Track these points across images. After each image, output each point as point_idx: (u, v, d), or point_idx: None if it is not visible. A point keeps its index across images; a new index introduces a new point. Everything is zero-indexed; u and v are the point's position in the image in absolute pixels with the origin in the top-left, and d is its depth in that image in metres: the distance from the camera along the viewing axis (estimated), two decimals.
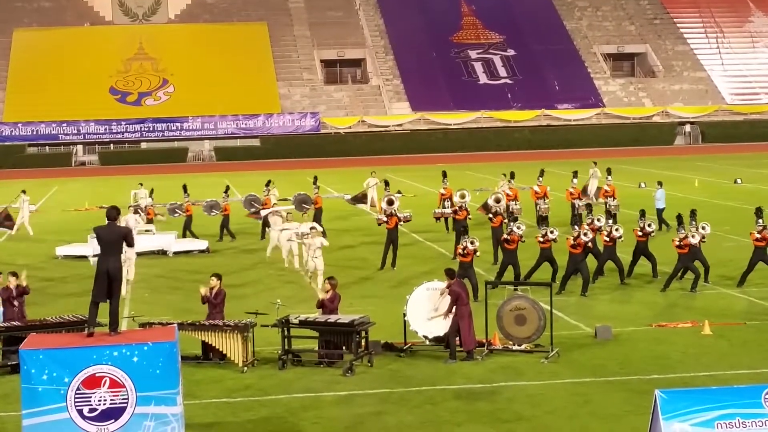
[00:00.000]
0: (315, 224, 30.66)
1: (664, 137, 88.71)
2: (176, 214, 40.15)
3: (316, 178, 42.08)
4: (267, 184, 40.06)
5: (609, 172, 40.81)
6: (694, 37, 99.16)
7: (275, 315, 21.46)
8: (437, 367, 20.58)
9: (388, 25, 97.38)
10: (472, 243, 26.31)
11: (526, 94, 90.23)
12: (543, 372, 20.06)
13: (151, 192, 42.32)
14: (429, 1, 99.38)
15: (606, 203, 37.87)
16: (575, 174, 40.20)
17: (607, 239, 28.42)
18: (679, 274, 27.97)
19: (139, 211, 37.29)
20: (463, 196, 36.11)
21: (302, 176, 60.05)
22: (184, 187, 40.93)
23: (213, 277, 22.25)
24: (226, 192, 40.55)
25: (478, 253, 26.74)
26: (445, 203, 37.62)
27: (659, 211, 38.10)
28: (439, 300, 21.66)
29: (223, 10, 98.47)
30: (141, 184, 44.55)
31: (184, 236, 38.18)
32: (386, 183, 38.44)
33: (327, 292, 21.90)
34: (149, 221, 38.28)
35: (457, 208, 35.00)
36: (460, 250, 26.54)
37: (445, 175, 39.47)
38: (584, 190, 41.06)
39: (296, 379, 20.02)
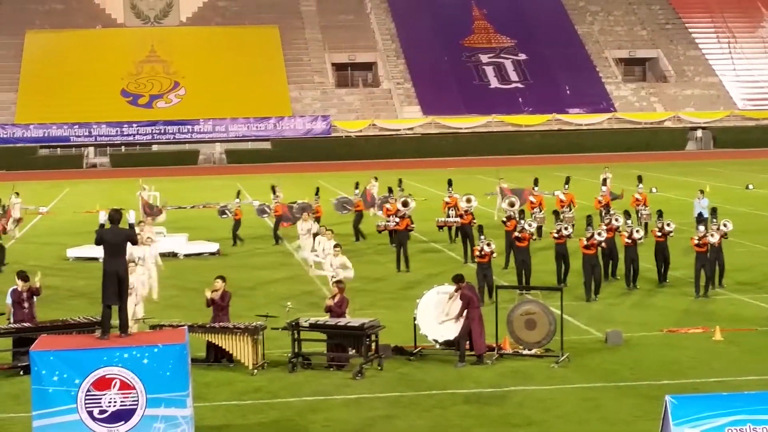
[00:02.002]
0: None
1: (675, 142, 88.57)
2: (265, 215, 40.06)
3: (357, 184, 41.84)
4: (273, 191, 39.97)
5: (640, 179, 40.24)
6: (706, 42, 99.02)
7: (285, 318, 21.46)
8: (447, 371, 20.55)
9: (399, 29, 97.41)
10: (488, 245, 26.54)
11: (537, 98, 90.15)
12: (553, 377, 20.01)
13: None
14: (440, 5, 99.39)
15: (638, 212, 37.38)
16: (604, 182, 39.55)
17: (629, 240, 28.42)
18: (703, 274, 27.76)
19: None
20: (469, 201, 36.11)
21: (313, 180, 60.03)
22: (273, 188, 40.42)
23: (218, 280, 22.24)
24: (237, 196, 40.54)
25: (495, 255, 26.98)
26: (450, 211, 37.44)
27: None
28: (449, 304, 21.62)
29: (234, 13, 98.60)
30: (145, 187, 44.63)
31: (235, 236, 38.30)
32: (399, 182, 38.57)
33: (335, 296, 21.90)
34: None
35: (462, 212, 34.92)
36: (477, 252, 26.79)
37: (450, 183, 39.38)
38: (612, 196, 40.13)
39: (306, 382, 20.01)
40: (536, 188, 38.95)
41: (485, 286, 26.45)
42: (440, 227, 37.49)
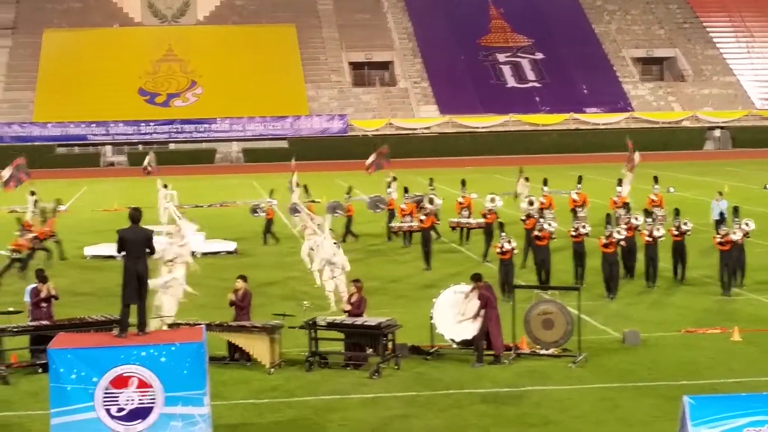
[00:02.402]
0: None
1: (693, 142, 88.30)
2: (337, 214, 39.98)
3: (392, 180, 41.82)
4: (306, 190, 39.91)
5: (656, 180, 40.07)
6: (724, 41, 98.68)
7: (302, 317, 21.47)
8: (464, 371, 20.52)
9: (416, 28, 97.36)
10: (509, 242, 26.85)
11: (554, 97, 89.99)
12: (570, 376, 19.97)
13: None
14: (457, 4, 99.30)
15: (653, 213, 37.18)
16: (620, 182, 39.29)
17: (649, 238, 28.41)
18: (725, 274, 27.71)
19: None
20: (493, 200, 36.06)
21: (330, 179, 60.07)
22: (305, 188, 40.46)
23: (239, 279, 22.30)
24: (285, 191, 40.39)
25: (516, 251, 27.30)
26: (463, 212, 37.36)
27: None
28: (465, 303, 21.59)
29: (251, 11, 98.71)
30: (165, 185, 44.67)
31: (345, 238, 38.03)
32: (431, 181, 38.68)
33: (352, 295, 21.90)
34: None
35: (486, 212, 34.86)
36: (498, 249, 27.04)
37: (464, 183, 39.31)
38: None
39: (323, 381, 20.01)
40: (545, 188, 38.83)
41: (506, 284, 26.56)
42: (453, 228, 37.38)
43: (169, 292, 23.37)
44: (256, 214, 40.77)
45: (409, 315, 23.95)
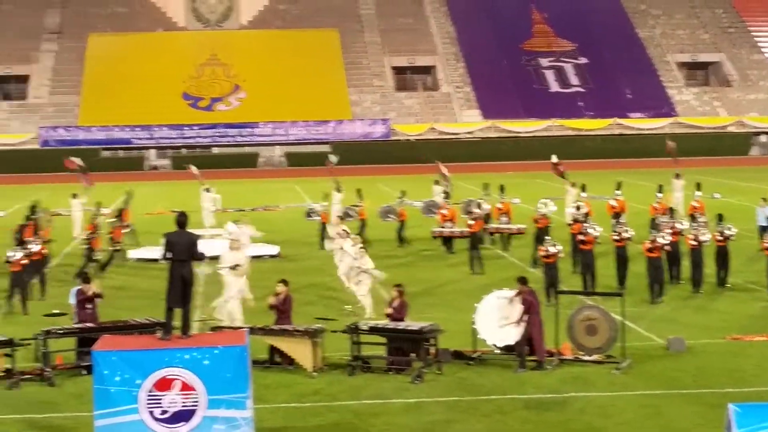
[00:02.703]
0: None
1: (739, 147, 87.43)
2: (390, 218, 40.00)
3: (505, 181, 41.80)
4: (359, 194, 39.83)
5: (698, 187, 39.76)
6: None
7: (345, 321, 21.47)
8: (507, 376, 20.44)
9: (459, 33, 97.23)
10: (554, 246, 27.09)
11: (597, 102, 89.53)
12: (614, 383, 19.83)
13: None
14: (500, 9, 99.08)
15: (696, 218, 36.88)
16: (660, 188, 38.99)
17: (694, 243, 28.24)
18: None
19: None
20: (545, 205, 35.99)
21: (372, 183, 60.09)
22: (359, 192, 40.44)
23: (280, 284, 22.39)
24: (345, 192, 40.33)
25: (561, 255, 27.41)
26: (502, 218, 37.18)
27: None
28: (509, 308, 21.50)
29: (294, 16, 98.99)
30: (208, 189, 44.84)
31: (402, 242, 37.87)
32: (485, 186, 38.59)
33: (394, 299, 21.89)
34: None
35: (539, 216, 34.79)
36: (543, 253, 27.25)
37: (502, 189, 39.11)
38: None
39: (365, 385, 20.00)
40: (583, 194, 38.56)
41: (551, 288, 26.58)
42: (492, 233, 37.16)
43: (238, 298, 23.61)
44: (311, 218, 40.61)
45: (452, 320, 23.88)
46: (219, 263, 24.66)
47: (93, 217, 35.56)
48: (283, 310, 21.91)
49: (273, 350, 21.36)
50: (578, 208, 35.19)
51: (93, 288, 22.59)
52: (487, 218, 37.37)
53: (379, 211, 41.18)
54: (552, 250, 27.04)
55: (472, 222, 33.63)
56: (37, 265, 29.54)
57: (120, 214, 37.15)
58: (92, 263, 32.88)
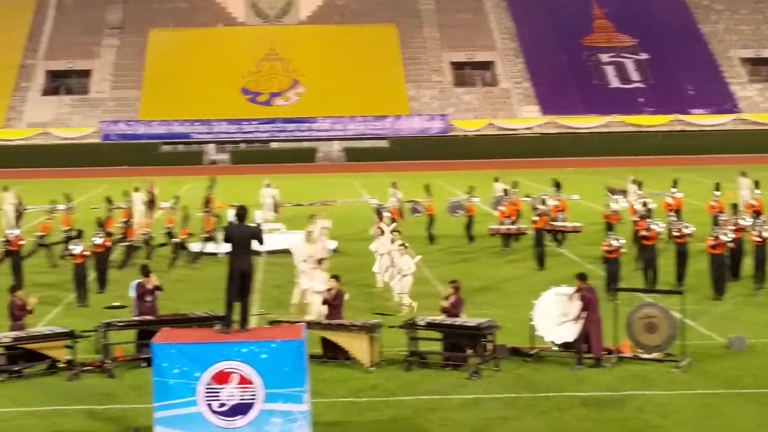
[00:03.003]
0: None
1: None
2: (458, 214, 39.88)
3: (563, 178, 41.63)
4: (427, 190, 39.70)
5: (757, 185, 39.25)
6: None
7: (402, 316, 21.46)
8: (565, 374, 20.33)
9: (518, 28, 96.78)
10: (617, 240, 27.05)
11: (658, 98, 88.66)
12: (674, 381, 19.64)
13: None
14: (560, 4, 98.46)
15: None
16: (717, 186, 38.49)
17: (758, 239, 27.97)
18: None
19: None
20: (617, 201, 35.77)
21: (429, 179, 60.00)
22: (427, 187, 40.49)
23: (331, 279, 22.47)
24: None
25: (623, 250, 27.39)
26: (559, 215, 36.86)
27: None
28: (567, 305, 21.37)
29: (353, 11, 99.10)
30: (269, 184, 45.01)
31: (471, 238, 37.70)
32: (558, 185, 38.40)
33: (449, 296, 21.84)
34: None
35: (610, 212, 34.55)
36: (605, 248, 27.16)
37: (558, 186, 38.76)
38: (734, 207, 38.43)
39: (422, 380, 19.98)
40: (639, 191, 38.18)
41: (612, 282, 26.50)
42: (548, 231, 36.90)
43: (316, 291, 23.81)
44: (456, 214, 40.32)
45: (510, 316, 23.79)
46: (297, 256, 25.03)
47: (172, 209, 36.81)
48: (334, 305, 21.95)
49: (326, 344, 21.39)
50: (645, 204, 35.01)
51: (153, 281, 22.78)
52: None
53: (447, 206, 41.07)
54: (615, 244, 27.04)
55: (536, 218, 33.52)
56: (100, 257, 29.84)
57: (207, 202, 38.21)
58: (183, 251, 34.20)
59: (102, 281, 29.85)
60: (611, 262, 27.12)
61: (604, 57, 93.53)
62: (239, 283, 15.67)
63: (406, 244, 27.59)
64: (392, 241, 28.29)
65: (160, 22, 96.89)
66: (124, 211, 36.64)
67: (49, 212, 37.00)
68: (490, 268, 33.10)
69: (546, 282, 28.15)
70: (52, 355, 20.80)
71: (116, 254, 33.73)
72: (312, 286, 23.77)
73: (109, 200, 37.29)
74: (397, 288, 26.37)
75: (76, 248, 28.17)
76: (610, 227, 32.61)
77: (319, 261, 24.92)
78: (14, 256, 30.07)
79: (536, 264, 32.62)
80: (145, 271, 23.07)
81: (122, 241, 34.04)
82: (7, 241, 30.37)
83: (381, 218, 34.06)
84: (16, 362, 20.67)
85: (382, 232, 29.66)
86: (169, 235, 35.10)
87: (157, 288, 22.82)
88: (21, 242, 30.25)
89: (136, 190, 43.18)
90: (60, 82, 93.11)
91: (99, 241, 29.68)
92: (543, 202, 35.93)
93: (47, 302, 27.58)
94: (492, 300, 27.52)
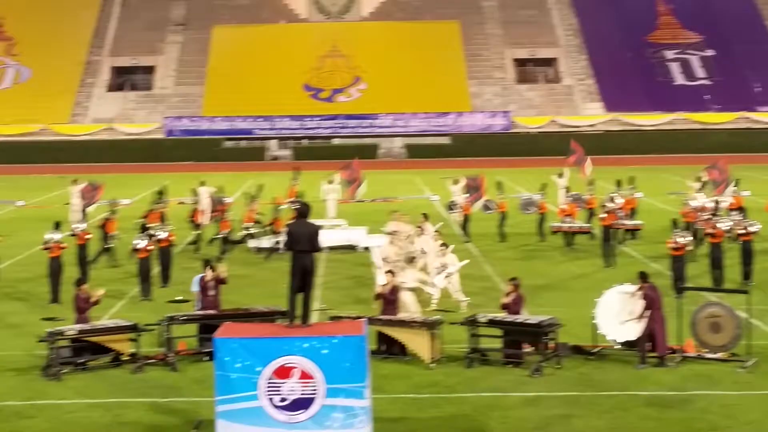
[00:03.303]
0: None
1: None
2: (530, 211, 39.65)
3: (626, 176, 41.31)
4: (499, 187, 39.55)
5: None
6: None
7: (463, 313, 21.38)
8: (627, 372, 20.14)
9: (582, 24, 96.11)
10: (683, 237, 27.05)
11: (724, 95, 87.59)
12: (739, 382, 19.37)
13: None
14: (625, 0, 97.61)
15: None
16: None
17: None
18: None
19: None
20: (696, 199, 35.44)
21: (491, 176, 59.70)
22: (499, 184, 40.31)
23: (387, 274, 22.46)
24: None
25: (690, 248, 27.42)
26: (620, 213, 36.36)
27: None
28: (630, 303, 21.18)
29: (415, 8, 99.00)
30: (331, 182, 45.11)
31: (544, 236, 37.41)
32: (620, 182, 38.10)
33: (509, 293, 21.73)
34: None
35: (689, 210, 34.24)
36: (671, 245, 27.09)
37: (619, 184, 38.20)
38: None
39: (483, 377, 19.90)
40: (735, 189, 37.69)
41: (678, 280, 26.51)
42: (617, 229, 36.45)
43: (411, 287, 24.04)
44: (528, 211, 40.10)
45: (572, 314, 23.62)
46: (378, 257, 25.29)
47: (250, 201, 37.64)
48: (390, 299, 21.94)
49: (381, 339, 21.36)
50: (717, 202, 34.67)
51: (216, 274, 22.90)
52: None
53: (520, 203, 40.83)
54: (681, 241, 26.99)
55: (604, 215, 33.30)
56: (164, 251, 30.10)
57: (291, 195, 39.33)
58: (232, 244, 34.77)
59: (165, 275, 30.09)
60: (677, 260, 27.04)
61: (669, 54, 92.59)
62: (301, 279, 15.71)
63: (447, 244, 27.46)
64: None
65: (223, 19, 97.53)
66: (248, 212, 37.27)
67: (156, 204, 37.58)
68: (553, 266, 32.89)
69: (608, 280, 27.94)
70: (117, 348, 21.01)
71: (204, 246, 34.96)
72: (402, 283, 23.73)
73: (161, 194, 37.60)
74: (449, 287, 26.14)
75: (141, 242, 28.41)
76: (687, 225, 32.35)
77: (411, 259, 25.11)
78: (80, 249, 30.37)
79: (603, 261, 32.37)
80: (209, 265, 23.21)
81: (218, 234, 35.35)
82: (74, 235, 30.68)
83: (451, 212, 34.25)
84: (81, 354, 20.91)
85: (423, 232, 29.51)
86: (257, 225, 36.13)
87: (220, 281, 22.94)
88: (87, 236, 30.53)
89: (202, 184, 43.54)
90: (125, 78, 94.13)
91: (163, 235, 29.93)
92: (612, 200, 35.57)
93: (113, 295, 27.87)
94: (555, 298, 27.34)
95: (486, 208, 39.94)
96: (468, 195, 39.54)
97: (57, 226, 29.32)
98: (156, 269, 29.73)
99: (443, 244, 27.13)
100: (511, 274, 25.38)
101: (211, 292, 22.72)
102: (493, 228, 38.15)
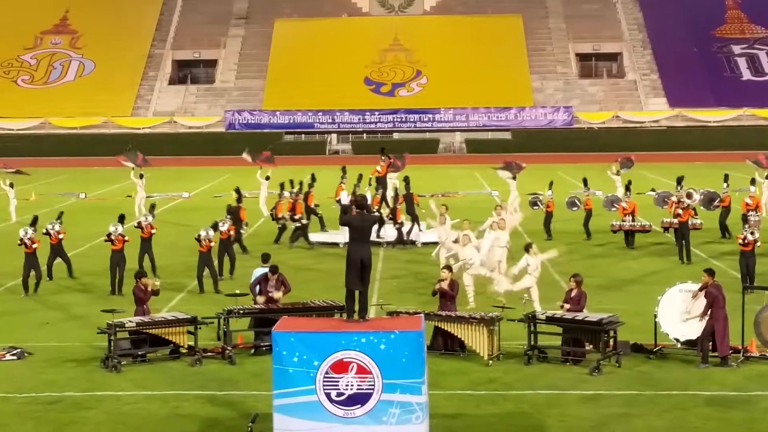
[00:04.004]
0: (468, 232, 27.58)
1: None
2: (536, 207, 39.18)
3: (691, 172, 40.57)
4: (585, 183, 39.12)
5: None
6: None
7: (522, 310, 21.23)
8: (689, 372, 19.87)
9: (647, 19, 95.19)
10: (752, 233, 26.98)
11: None
12: None
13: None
14: None
15: None
16: None
17: None
18: None
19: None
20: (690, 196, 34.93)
21: (552, 171, 59.41)
22: (585, 181, 39.92)
23: (444, 269, 22.43)
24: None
25: (758, 243, 27.27)
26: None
27: None
28: (693, 302, 20.89)
29: (477, 2, 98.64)
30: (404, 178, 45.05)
31: (589, 235, 37.00)
32: (679, 181, 37.46)
33: (572, 290, 21.53)
34: None
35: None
36: (740, 240, 27.17)
37: (679, 181, 37.69)
38: None
39: (541, 375, 19.75)
40: (753, 189, 37.09)
41: (747, 276, 26.53)
42: (665, 229, 35.97)
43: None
44: (575, 208, 39.60)
45: (633, 312, 23.36)
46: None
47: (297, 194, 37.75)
48: (450, 295, 21.83)
49: (436, 335, 21.25)
50: None
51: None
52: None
53: (567, 201, 40.45)
54: (750, 237, 26.88)
55: (680, 212, 32.91)
56: (225, 244, 30.15)
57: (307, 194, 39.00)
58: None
59: (230, 268, 30.18)
60: (745, 255, 27.03)
61: (737, 48, 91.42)
62: (359, 272, 15.64)
63: (470, 234, 27.13)
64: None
65: (285, 13, 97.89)
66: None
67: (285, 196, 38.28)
68: (611, 264, 32.55)
69: (670, 278, 27.61)
70: (175, 340, 21.10)
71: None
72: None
73: (238, 191, 37.69)
74: (466, 280, 25.97)
75: (209, 234, 28.40)
76: (745, 219, 31.96)
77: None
78: (144, 242, 30.47)
79: (678, 258, 32.10)
80: (265, 259, 23.24)
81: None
82: (140, 227, 30.80)
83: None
84: (139, 347, 21.05)
85: (445, 221, 29.66)
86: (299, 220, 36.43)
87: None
88: (153, 230, 30.66)
89: (267, 178, 43.87)
90: (186, 72, 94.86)
91: (224, 228, 29.96)
92: (689, 196, 34.96)
93: (172, 288, 28.05)
94: (614, 295, 27.07)
95: (533, 204, 39.51)
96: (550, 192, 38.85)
97: (121, 219, 29.53)
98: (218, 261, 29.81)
99: (465, 235, 26.68)
100: (567, 272, 25.16)
101: (269, 289, 22.62)
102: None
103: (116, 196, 53.94)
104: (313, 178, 41.56)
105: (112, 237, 28.69)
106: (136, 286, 22.03)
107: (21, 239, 28.79)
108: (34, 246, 28.68)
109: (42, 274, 29.02)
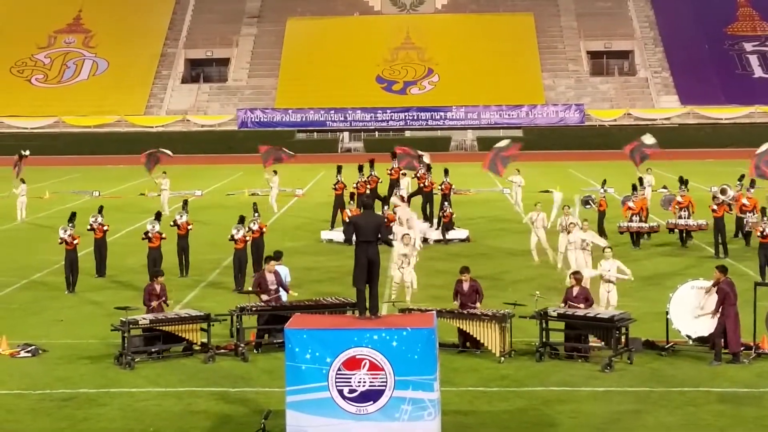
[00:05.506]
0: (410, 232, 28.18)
1: None
2: (588, 207, 38.83)
3: (703, 170, 40.45)
4: (603, 184, 39.01)
5: None
6: None
7: (534, 307, 21.27)
8: (700, 369, 19.88)
9: (658, 16, 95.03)
10: None
11: None
12: None
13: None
14: None
15: None
16: None
17: None
18: None
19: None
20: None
21: (563, 169, 59.47)
22: (604, 181, 39.58)
23: (464, 272, 22.43)
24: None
25: None
26: (682, 212, 35.67)
27: None
28: (705, 298, 20.90)
29: (489, 0, 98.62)
30: (404, 174, 45.15)
31: (601, 232, 35.55)
32: (681, 180, 37.34)
33: (572, 287, 21.57)
34: None
35: None
36: (758, 233, 27.81)
37: (684, 182, 37.57)
38: None
39: (553, 371, 19.78)
40: (751, 190, 36.97)
41: (765, 267, 27.29)
42: (671, 230, 35.82)
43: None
44: (589, 206, 39.33)
45: (645, 309, 23.38)
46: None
47: None
48: (468, 294, 21.88)
49: (461, 335, 21.35)
50: None
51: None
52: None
53: (579, 199, 40.31)
54: None
55: (715, 207, 33.00)
56: (256, 242, 29.92)
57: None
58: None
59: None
60: (764, 247, 27.77)
61: (748, 46, 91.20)
62: (365, 272, 15.72)
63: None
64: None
65: (297, 11, 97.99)
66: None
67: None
68: (623, 261, 32.43)
69: (681, 275, 27.65)
70: (188, 337, 21.20)
71: None
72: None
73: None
74: (396, 276, 26.37)
75: (238, 233, 28.34)
76: (763, 212, 31.95)
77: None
78: (181, 239, 30.48)
79: (715, 253, 32.23)
80: (278, 256, 23.32)
81: None
82: (176, 225, 30.73)
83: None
84: (153, 343, 21.15)
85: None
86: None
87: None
88: (189, 227, 30.65)
89: (275, 173, 43.96)
90: (199, 70, 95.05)
91: (255, 226, 29.75)
92: (723, 192, 34.78)
93: (187, 285, 28.14)
94: (625, 292, 27.01)
95: (585, 203, 38.98)
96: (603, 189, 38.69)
97: (158, 216, 29.60)
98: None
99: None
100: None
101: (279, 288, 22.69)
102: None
103: (129, 194, 54.09)
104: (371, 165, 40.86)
105: (150, 235, 28.80)
106: (150, 285, 22.14)
107: (61, 238, 28.70)
108: (75, 242, 28.61)
109: (78, 270, 28.82)
